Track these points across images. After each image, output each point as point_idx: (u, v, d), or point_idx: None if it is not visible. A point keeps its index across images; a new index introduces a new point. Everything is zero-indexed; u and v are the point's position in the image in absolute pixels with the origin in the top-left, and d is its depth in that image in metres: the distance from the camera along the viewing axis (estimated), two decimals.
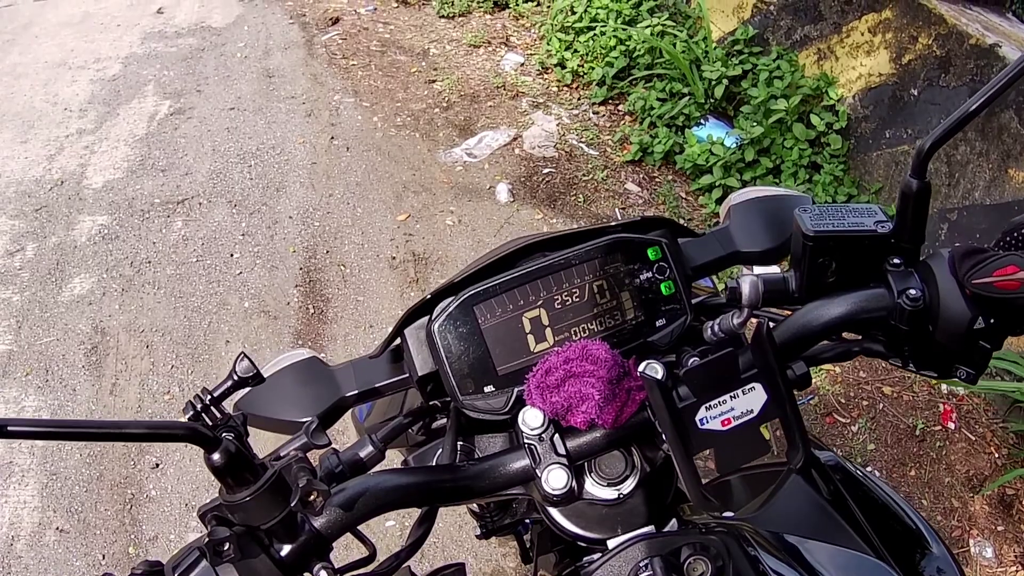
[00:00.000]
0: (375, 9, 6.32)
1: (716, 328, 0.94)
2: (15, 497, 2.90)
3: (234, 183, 4.39)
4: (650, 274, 0.97)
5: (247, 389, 0.84)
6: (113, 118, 5.08)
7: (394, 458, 1.12)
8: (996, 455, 2.79)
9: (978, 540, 2.60)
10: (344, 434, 2.82)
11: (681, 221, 3.88)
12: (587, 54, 5.05)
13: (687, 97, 4.38)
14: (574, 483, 0.86)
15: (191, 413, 0.77)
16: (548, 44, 5.30)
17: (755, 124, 3.96)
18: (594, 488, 0.91)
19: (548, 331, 0.95)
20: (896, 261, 0.88)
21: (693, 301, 1.03)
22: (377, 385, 1.01)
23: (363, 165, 4.50)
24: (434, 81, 5.26)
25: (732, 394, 0.82)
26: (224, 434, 0.74)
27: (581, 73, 5.07)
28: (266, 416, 0.99)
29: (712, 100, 4.33)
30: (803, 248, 0.90)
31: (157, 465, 2.94)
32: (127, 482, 2.92)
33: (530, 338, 0.94)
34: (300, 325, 3.50)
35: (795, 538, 0.89)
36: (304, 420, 0.96)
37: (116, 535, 2.77)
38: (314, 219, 4.11)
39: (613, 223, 0.99)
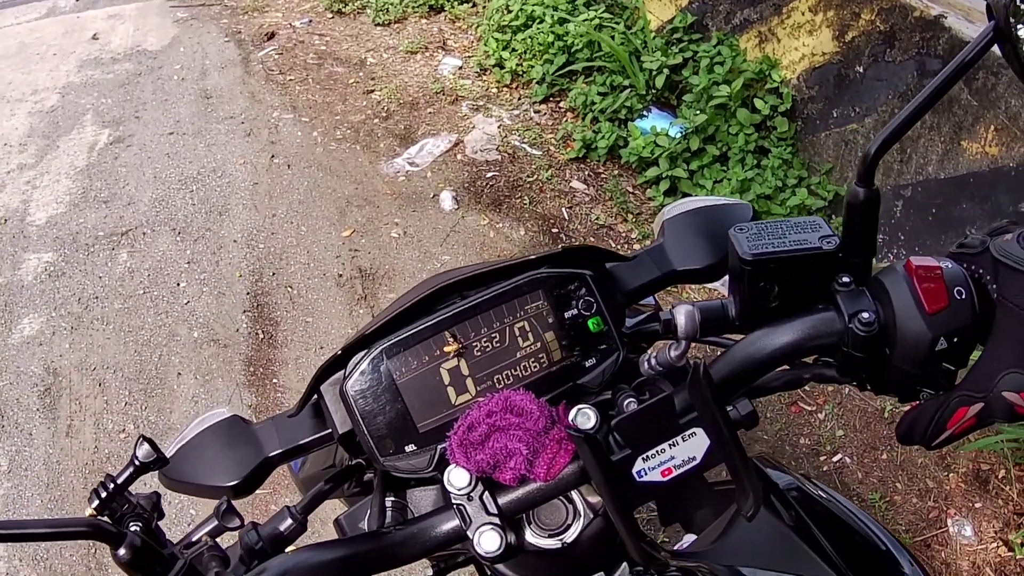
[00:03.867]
0: (310, 21, 6.26)
1: (653, 362, 0.89)
2: None
3: (177, 210, 4.34)
4: (575, 311, 0.90)
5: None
6: (53, 151, 5.01)
7: (332, 507, 1.08)
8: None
9: (956, 519, 2.56)
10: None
11: (630, 216, 3.89)
12: (525, 52, 5.02)
13: (628, 89, 4.36)
14: (511, 539, 0.79)
15: (96, 503, 0.74)
16: (485, 45, 5.26)
17: (698, 112, 3.94)
18: (535, 539, 0.86)
19: (469, 381, 0.88)
20: (845, 279, 0.80)
21: (631, 323, 0.98)
22: (301, 443, 0.95)
23: (305, 182, 4.46)
24: (372, 91, 5.21)
25: (671, 442, 0.75)
26: (131, 524, 0.71)
27: (520, 72, 5.04)
28: (189, 482, 0.94)
29: (654, 91, 4.31)
30: (741, 272, 0.82)
31: None
32: None
33: (450, 390, 0.88)
34: (250, 351, 3.46)
35: (753, 571, 0.85)
36: (228, 484, 0.91)
37: None
38: (259, 241, 4.07)
39: (532, 257, 0.92)
